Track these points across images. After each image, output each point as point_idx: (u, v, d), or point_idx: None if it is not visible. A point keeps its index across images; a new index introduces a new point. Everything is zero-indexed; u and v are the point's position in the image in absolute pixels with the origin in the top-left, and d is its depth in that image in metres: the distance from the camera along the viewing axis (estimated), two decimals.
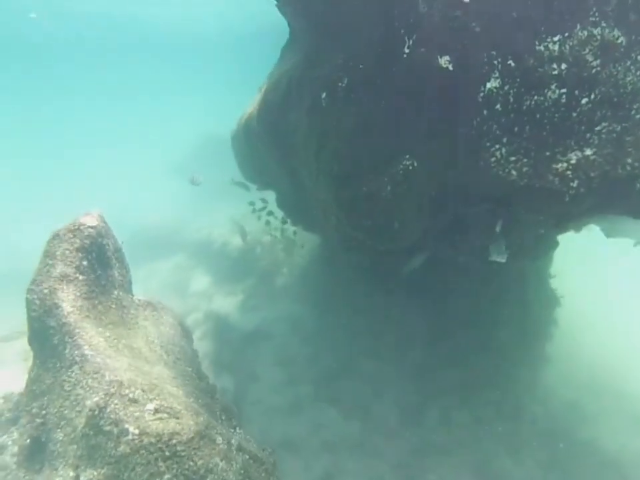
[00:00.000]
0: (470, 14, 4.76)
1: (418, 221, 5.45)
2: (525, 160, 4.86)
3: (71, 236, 5.60)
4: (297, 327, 10.59)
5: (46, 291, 5.24)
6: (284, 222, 10.58)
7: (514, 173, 4.88)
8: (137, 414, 4.35)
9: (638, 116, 4.69)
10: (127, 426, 4.21)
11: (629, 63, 4.70)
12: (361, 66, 5.43)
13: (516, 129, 4.89)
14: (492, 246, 5.38)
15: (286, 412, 8.18)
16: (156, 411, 4.40)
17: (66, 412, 4.74)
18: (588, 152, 4.71)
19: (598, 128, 4.74)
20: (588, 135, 4.74)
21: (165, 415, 4.39)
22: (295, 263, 12.35)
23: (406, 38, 4.88)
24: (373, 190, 5.33)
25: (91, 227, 5.71)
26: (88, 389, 4.58)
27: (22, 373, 9.27)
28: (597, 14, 4.67)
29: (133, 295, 6.49)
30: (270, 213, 10.78)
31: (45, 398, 5.05)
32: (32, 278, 5.40)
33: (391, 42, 5.04)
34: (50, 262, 5.43)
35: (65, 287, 5.29)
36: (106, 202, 20.26)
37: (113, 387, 4.49)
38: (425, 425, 7.18)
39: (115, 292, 6.02)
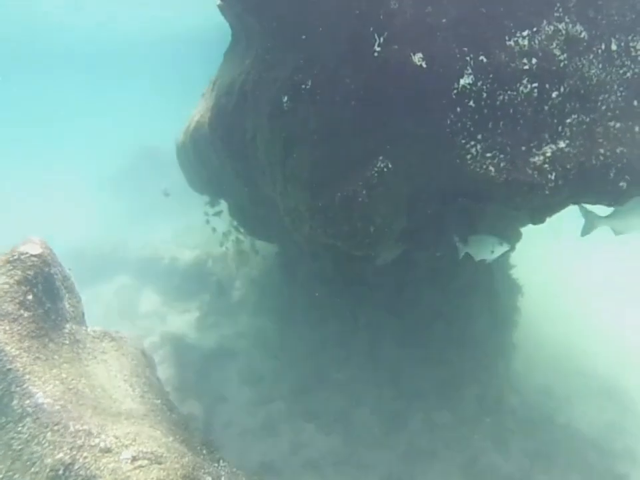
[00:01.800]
0: (440, 10, 4.67)
1: (396, 223, 5.28)
2: (502, 155, 4.84)
3: (10, 267, 4.85)
4: (259, 342, 10.17)
5: None
6: (237, 231, 10.13)
7: (492, 169, 4.83)
8: (111, 465, 3.80)
9: (604, 107, 4.81)
10: None
11: (591, 56, 4.81)
12: (326, 66, 5.17)
13: (490, 124, 4.85)
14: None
15: (261, 433, 7.74)
16: (134, 458, 3.87)
17: (16, 476, 4.04)
18: (562, 144, 4.76)
19: (568, 120, 4.81)
20: (560, 127, 4.80)
21: (146, 462, 3.87)
22: (248, 274, 11.89)
23: (376, 35, 4.69)
24: (348, 195, 5.09)
25: (34, 256, 4.99)
26: (47, 444, 3.94)
27: None
28: (560, 9, 4.74)
29: (86, 327, 5.79)
30: (235, 229, 10.21)
31: None
32: None
33: (359, 40, 4.83)
34: None
35: (7, 327, 4.56)
36: (33, 222, 18.60)
37: (80, 438, 3.89)
38: (408, 430, 7.03)
39: (67, 325, 5.32)
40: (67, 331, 5.28)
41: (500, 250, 5.19)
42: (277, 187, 5.83)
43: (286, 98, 5.48)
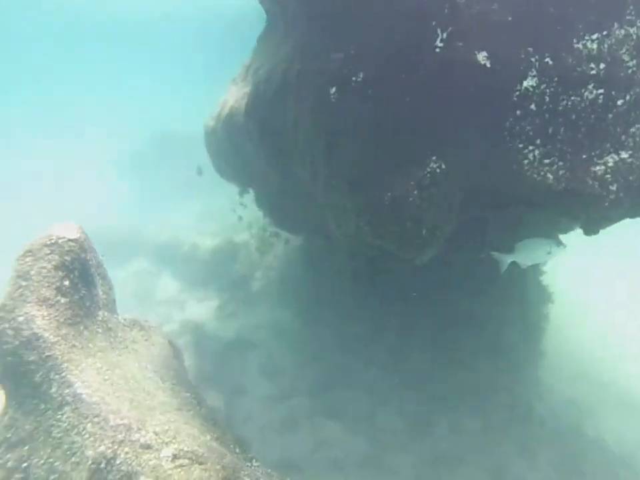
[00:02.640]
0: (507, 7, 4.46)
1: (446, 227, 5.12)
2: (561, 163, 4.65)
3: (48, 252, 4.74)
4: (280, 335, 10.05)
5: (21, 318, 4.39)
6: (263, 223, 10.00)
7: (550, 176, 4.65)
8: (152, 462, 3.71)
9: None
10: (142, 478, 3.57)
11: None
12: (380, 58, 4.98)
13: (550, 130, 4.66)
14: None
15: (282, 428, 7.65)
16: (174, 457, 3.78)
17: (57, 464, 3.98)
18: (624, 155, 4.57)
19: (632, 130, 4.61)
20: (623, 137, 4.60)
21: (186, 461, 3.78)
22: (270, 265, 11.76)
23: (439, 31, 4.49)
24: (398, 195, 4.92)
25: (72, 240, 4.87)
26: (87, 436, 3.86)
27: None
28: (633, 12, 4.51)
29: (117, 314, 5.70)
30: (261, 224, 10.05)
31: (26, 448, 4.22)
32: (0, 303, 4.52)
33: (419, 34, 4.63)
34: (24, 283, 4.56)
35: (44, 313, 4.47)
36: (52, 203, 18.57)
37: (121, 433, 3.81)
38: (435, 435, 6.93)
39: (100, 313, 5.23)
40: (99, 318, 5.18)
41: (558, 251, 4.99)
42: (319, 182, 5.68)
43: (333, 90, 5.29)
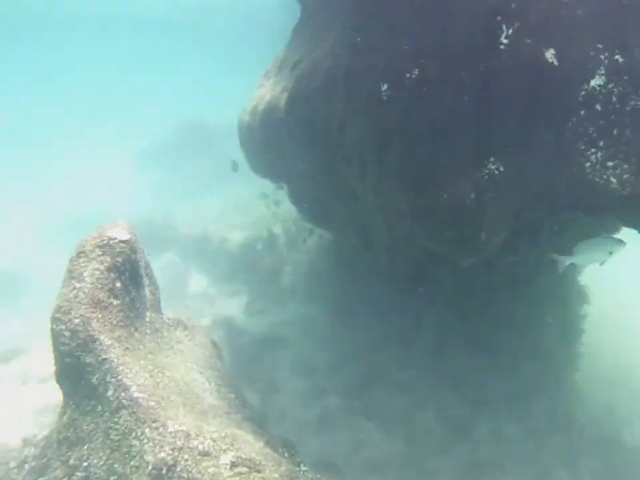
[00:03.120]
0: (576, 1, 4.25)
1: (503, 231, 4.97)
2: (625, 166, 4.45)
3: (100, 253, 4.73)
4: (311, 331, 10.00)
5: (77, 320, 4.39)
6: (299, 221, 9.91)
7: (613, 180, 4.45)
8: (211, 470, 3.69)
9: None
10: None
11: None
12: (437, 54, 4.81)
13: (615, 131, 4.46)
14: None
15: (318, 428, 7.62)
16: (233, 464, 3.75)
17: (116, 466, 4.00)
18: None
19: None
20: None
21: (245, 469, 3.76)
22: (299, 259, 11.69)
23: (504, 26, 4.30)
24: (455, 197, 4.78)
25: (123, 242, 4.85)
26: (146, 440, 3.85)
27: (24, 398, 8.29)
28: None
29: (162, 314, 5.70)
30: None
31: (85, 447, 4.26)
32: (56, 304, 4.53)
33: (483, 29, 4.44)
34: (77, 285, 4.56)
35: (99, 315, 4.47)
36: (77, 196, 18.76)
37: (180, 439, 3.80)
38: (474, 439, 6.84)
39: (148, 314, 5.22)
40: (147, 319, 5.18)
41: (618, 249, 4.78)
42: (368, 181, 5.56)
43: (385, 87, 5.15)
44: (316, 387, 8.52)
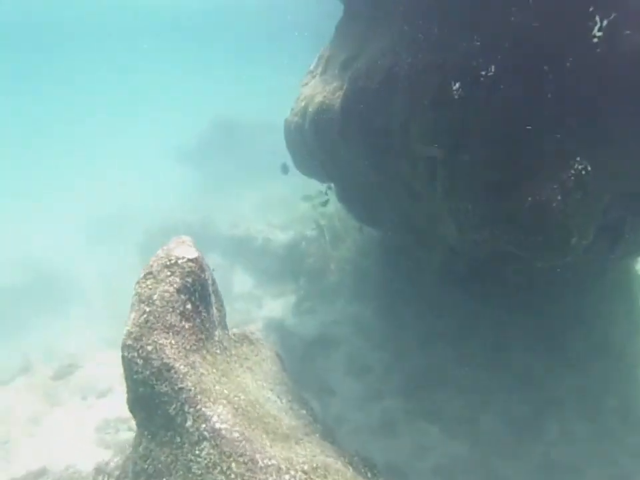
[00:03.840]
0: None
1: (592, 234, 4.57)
2: None
3: (168, 273, 4.56)
4: (361, 331, 9.78)
5: (150, 347, 4.24)
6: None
7: None
8: None
9: None
10: None
11: None
12: (515, 50, 4.39)
13: None
14: None
15: (378, 431, 7.41)
16: None
17: None
18: None
19: None
20: None
21: None
22: (344, 257, 11.43)
23: (597, 18, 3.85)
24: (540, 199, 4.39)
25: (191, 260, 4.66)
26: (234, 476, 3.68)
27: (85, 414, 8.39)
28: None
29: (228, 330, 5.53)
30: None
31: None
32: (126, 330, 4.38)
33: (571, 21, 4.00)
34: (147, 309, 4.40)
35: (172, 341, 4.30)
36: (116, 197, 18.93)
37: (271, 475, 3.61)
38: (544, 440, 6.51)
39: (217, 333, 5.05)
40: (216, 339, 5.01)
41: None
42: (439, 183, 5.21)
43: (457, 85, 4.77)
44: (371, 388, 8.34)
